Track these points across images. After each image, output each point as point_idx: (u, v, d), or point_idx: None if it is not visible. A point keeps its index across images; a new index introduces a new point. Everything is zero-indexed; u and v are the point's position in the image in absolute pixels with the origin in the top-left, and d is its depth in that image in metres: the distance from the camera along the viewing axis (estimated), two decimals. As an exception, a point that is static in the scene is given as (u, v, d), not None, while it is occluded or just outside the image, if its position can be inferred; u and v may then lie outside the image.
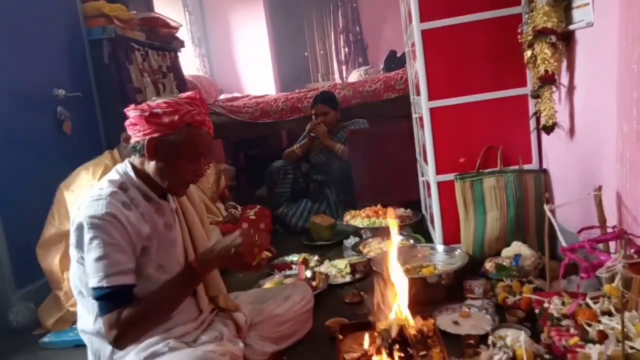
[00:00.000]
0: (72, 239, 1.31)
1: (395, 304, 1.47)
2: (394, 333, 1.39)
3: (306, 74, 6.28)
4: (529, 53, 1.86)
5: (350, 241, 2.62)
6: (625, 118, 1.43)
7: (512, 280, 1.81)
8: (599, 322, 1.34)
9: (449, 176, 2.21)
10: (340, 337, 1.55)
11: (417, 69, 2.25)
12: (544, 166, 2.18)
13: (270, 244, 2.84)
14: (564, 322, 1.41)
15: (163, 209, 1.44)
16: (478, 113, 2.19)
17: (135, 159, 1.39)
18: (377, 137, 3.15)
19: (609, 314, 1.37)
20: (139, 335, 1.29)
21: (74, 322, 1.93)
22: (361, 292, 2.09)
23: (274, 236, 3.11)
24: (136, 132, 1.35)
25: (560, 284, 1.65)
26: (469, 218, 2.14)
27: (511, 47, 2.03)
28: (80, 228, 1.27)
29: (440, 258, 2.17)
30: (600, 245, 1.49)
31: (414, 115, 2.77)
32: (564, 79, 1.87)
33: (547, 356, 1.39)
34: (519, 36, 1.89)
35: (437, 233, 2.30)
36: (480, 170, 2.18)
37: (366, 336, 1.45)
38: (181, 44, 3.82)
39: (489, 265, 2.00)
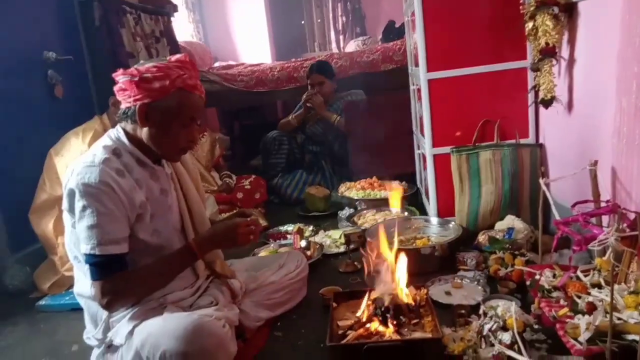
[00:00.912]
0: (65, 203, 1.30)
1: (389, 273, 1.50)
2: (387, 301, 1.41)
3: (302, 43, 6.16)
4: (530, 25, 1.83)
5: (345, 212, 2.63)
6: (624, 92, 1.42)
7: (505, 253, 1.83)
8: (589, 294, 1.37)
9: (445, 149, 2.21)
10: (334, 304, 1.58)
11: (416, 39, 2.21)
12: (541, 141, 2.19)
13: (265, 216, 2.87)
14: (554, 294, 1.44)
15: (158, 175, 1.43)
16: (476, 86, 2.17)
17: (127, 125, 1.37)
18: (373, 108, 3.13)
19: (599, 286, 1.39)
20: (128, 303, 1.33)
21: (70, 286, 1.95)
22: (355, 262, 2.11)
23: (269, 206, 3.12)
24: (126, 97, 1.32)
25: (553, 256, 1.68)
26: (464, 191, 2.15)
27: (512, 18, 1.99)
28: (72, 194, 1.26)
29: (434, 230, 2.19)
30: (594, 219, 1.51)
31: (411, 87, 2.74)
32: (565, 52, 1.84)
33: (536, 326, 1.43)
34: (520, 7, 1.85)
35: (431, 205, 2.32)
36: (477, 144, 2.18)
37: (363, 302, 1.46)
38: (174, 8, 3.72)
39: (482, 237, 2.02)
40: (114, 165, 1.29)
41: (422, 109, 2.27)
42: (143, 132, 1.35)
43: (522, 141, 2.17)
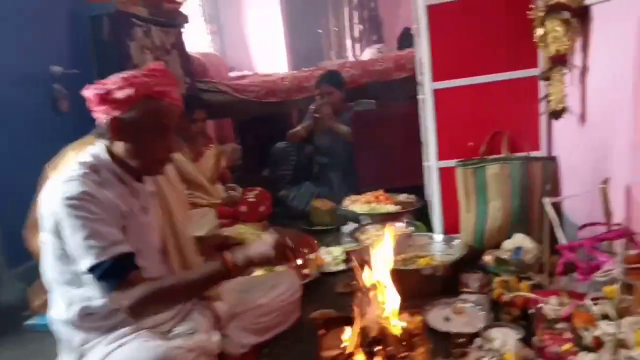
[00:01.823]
0: (47, 224, 1.26)
1: (380, 299, 1.40)
2: (374, 331, 1.31)
3: (319, 51, 6.11)
4: (539, 31, 1.71)
5: (348, 227, 2.54)
6: None
7: (510, 276, 1.70)
8: (597, 326, 1.24)
9: (451, 162, 2.09)
10: (323, 331, 1.48)
11: (421, 47, 2.11)
12: (554, 154, 2.04)
13: (267, 230, 2.81)
14: (559, 325, 1.31)
15: (138, 192, 1.38)
16: (485, 95, 2.06)
17: (106, 141, 1.33)
18: (382, 118, 3.04)
19: (609, 317, 1.26)
20: (152, 310, 1.26)
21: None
22: (354, 282, 2.01)
23: (274, 219, 3.04)
24: (99, 113, 1.28)
25: (561, 281, 1.54)
26: (470, 207, 2.02)
27: (522, 24, 1.87)
28: (56, 212, 1.22)
29: (438, 248, 2.08)
30: (605, 244, 1.37)
31: (419, 97, 2.64)
32: (577, 59, 1.71)
33: (537, 362, 1.30)
34: (529, 12, 1.73)
35: (436, 222, 2.20)
36: (485, 157, 2.05)
37: (346, 332, 1.37)
38: (185, 19, 3.71)
39: (488, 257, 1.89)
40: (92, 178, 1.25)
41: (427, 120, 2.17)
42: (119, 147, 1.31)
43: (533, 154, 2.03)
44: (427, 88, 2.10)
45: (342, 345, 1.34)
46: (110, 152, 1.32)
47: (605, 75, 1.58)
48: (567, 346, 1.18)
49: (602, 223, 1.36)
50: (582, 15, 1.65)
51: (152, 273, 1.36)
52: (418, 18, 2.06)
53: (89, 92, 1.27)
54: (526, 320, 1.52)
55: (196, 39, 5.14)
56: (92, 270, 1.17)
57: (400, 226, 2.38)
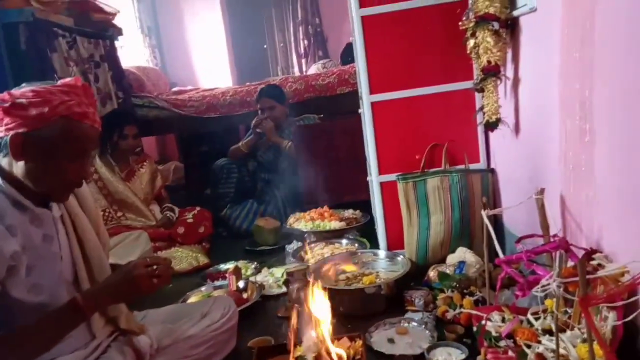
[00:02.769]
0: None
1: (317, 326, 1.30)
2: (310, 361, 1.21)
3: (265, 67, 6.04)
4: (471, 42, 1.71)
5: (293, 246, 2.44)
6: (567, 113, 1.28)
7: (454, 292, 1.65)
8: (539, 342, 1.20)
9: (392, 176, 2.04)
10: (257, 362, 1.37)
11: (357, 59, 2.07)
12: (492, 165, 2.04)
13: (209, 251, 2.65)
14: (503, 343, 1.26)
15: (41, 219, 1.21)
16: (423, 108, 2.03)
17: (2, 160, 1.17)
18: (326, 133, 2.98)
19: (550, 332, 1.23)
20: None
21: None
22: (296, 305, 1.90)
23: (215, 241, 2.89)
24: None
25: (500, 297, 1.51)
26: (412, 222, 1.98)
27: (457, 36, 1.87)
28: None
29: (383, 265, 2.01)
30: (544, 256, 1.35)
31: (360, 111, 2.60)
32: (509, 70, 1.72)
33: (481, 383, 1.24)
34: (459, 23, 1.72)
35: (380, 237, 2.14)
36: (425, 170, 2.02)
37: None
38: (119, 31, 3.53)
39: (432, 273, 1.84)
40: None
41: (367, 134, 2.12)
42: (18, 167, 1.15)
43: (472, 166, 2.02)
44: (365, 101, 2.06)
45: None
46: (3, 172, 1.16)
47: (535, 86, 1.58)
48: (509, 365, 1.13)
49: (539, 235, 1.33)
50: (512, 26, 1.67)
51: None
52: (354, 30, 2.02)
53: None
54: (471, 338, 1.47)
55: (133, 52, 4.94)
56: None
57: (345, 243, 2.31)
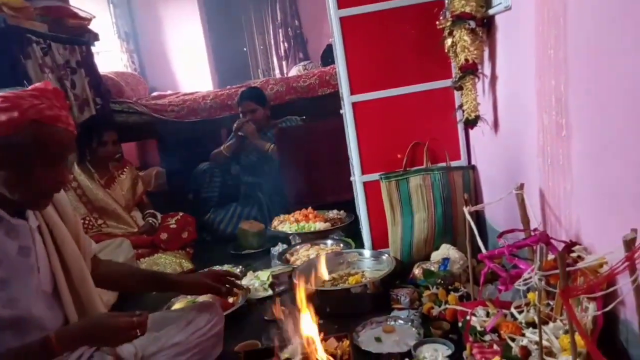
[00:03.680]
0: None
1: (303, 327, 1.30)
2: (297, 363, 1.20)
3: (246, 70, 6.01)
4: (449, 41, 1.72)
5: (278, 249, 2.43)
6: (544, 108, 1.30)
7: (439, 288, 1.67)
8: (523, 335, 1.22)
9: (375, 176, 2.05)
10: (244, 366, 1.36)
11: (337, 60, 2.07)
12: (473, 162, 2.07)
13: (192, 257, 2.63)
14: (488, 337, 1.28)
15: (17, 230, 1.18)
16: (403, 107, 2.05)
17: None
18: (307, 135, 2.98)
19: (534, 325, 1.25)
20: None
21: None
22: (283, 308, 1.89)
23: (199, 246, 2.86)
24: None
25: (484, 292, 1.52)
26: (396, 220, 1.99)
27: (435, 35, 1.89)
28: None
29: (368, 264, 2.02)
30: (525, 250, 1.37)
31: (342, 111, 2.60)
32: (487, 68, 1.74)
33: (468, 378, 1.25)
34: (437, 22, 1.74)
35: (365, 237, 2.15)
36: (407, 169, 2.04)
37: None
38: (95, 37, 3.47)
39: (417, 270, 1.85)
40: None
41: (349, 134, 2.12)
42: None
43: (454, 164, 2.04)
44: (345, 101, 2.07)
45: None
46: None
47: (512, 83, 1.61)
48: (495, 359, 1.14)
49: (520, 229, 1.35)
50: (488, 25, 1.69)
51: (38, 322, 1.18)
52: (333, 30, 2.03)
53: None
54: (457, 334, 1.48)
55: (111, 58, 4.87)
56: None
57: (330, 243, 2.31)
